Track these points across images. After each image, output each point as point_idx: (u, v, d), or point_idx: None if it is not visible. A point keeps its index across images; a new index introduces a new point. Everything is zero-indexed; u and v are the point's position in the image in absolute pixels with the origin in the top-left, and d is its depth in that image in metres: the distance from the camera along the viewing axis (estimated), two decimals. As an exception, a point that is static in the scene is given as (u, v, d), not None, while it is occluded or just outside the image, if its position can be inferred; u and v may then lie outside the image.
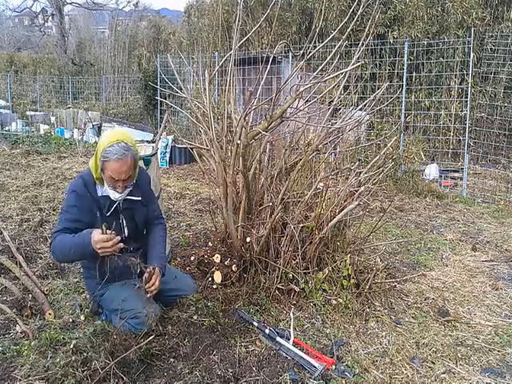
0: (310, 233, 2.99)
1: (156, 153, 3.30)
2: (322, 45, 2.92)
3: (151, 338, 2.16)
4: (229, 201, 3.00)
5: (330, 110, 3.56)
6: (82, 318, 2.56)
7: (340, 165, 3.80)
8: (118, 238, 2.20)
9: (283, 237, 2.90)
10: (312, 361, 2.17)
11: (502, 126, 7.70)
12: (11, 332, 2.40)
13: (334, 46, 2.92)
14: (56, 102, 14.34)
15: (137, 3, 20.97)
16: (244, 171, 2.87)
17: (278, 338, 2.22)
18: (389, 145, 4.04)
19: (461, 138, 7.75)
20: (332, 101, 3.66)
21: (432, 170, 6.99)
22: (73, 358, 2.02)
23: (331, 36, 3.01)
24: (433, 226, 4.84)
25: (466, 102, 7.01)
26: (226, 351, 2.29)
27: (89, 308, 2.62)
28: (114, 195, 2.33)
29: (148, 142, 9.29)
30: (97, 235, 2.15)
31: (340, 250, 3.03)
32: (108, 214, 2.37)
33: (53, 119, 11.82)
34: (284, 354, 2.26)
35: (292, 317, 2.44)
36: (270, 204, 2.93)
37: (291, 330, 2.38)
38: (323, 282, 2.85)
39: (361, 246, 3.27)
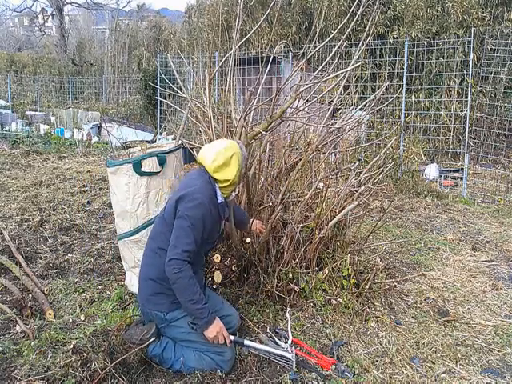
0: (310, 233, 2.99)
1: (177, 149, 2.96)
2: (321, 45, 2.92)
3: (152, 340, 2.16)
4: (229, 201, 2.99)
5: (330, 110, 3.56)
6: (82, 317, 2.56)
7: (340, 165, 3.80)
8: (232, 337, 2.17)
9: (283, 237, 2.90)
10: (284, 353, 2.18)
11: (502, 126, 7.70)
12: (11, 332, 2.40)
13: (334, 46, 2.93)
14: (56, 101, 14.34)
15: (142, 5, 20.97)
16: (244, 171, 2.86)
17: (246, 341, 2.19)
18: (389, 145, 4.04)
19: (461, 138, 7.75)
20: (332, 101, 3.66)
21: (432, 170, 6.99)
22: (73, 358, 2.02)
23: (331, 36, 3.01)
24: (433, 225, 4.84)
25: (466, 101, 7.01)
26: (225, 351, 2.29)
27: (143, 334, 2.18)
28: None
29: (148, 141, 9.30)
30: (221, 323, 2.10)
31: (340, 250, 3.03)
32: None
33: (53, 119, 11.82)
34: (260, 355, 2.26)
35: (288, 317, 2.44)
36: (270, 204, 2.92)
37: (289, 330, 2.38)
38: (323, 282, 2.85)
39: (361, 246, 3.27)
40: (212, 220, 2.20)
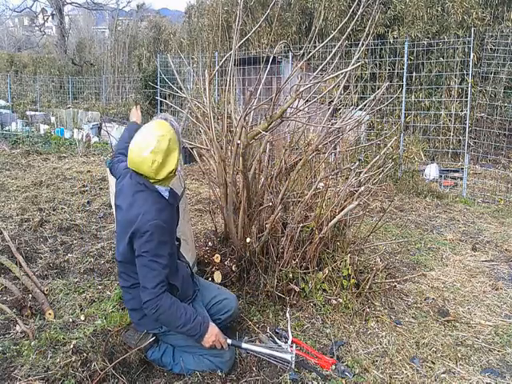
0: (310, 233, 2.98)
1: None
2: (321, 45, 2.92)
3: (151, 340, 2.16)
4: (229, 201, 3.00)
5: (330, 110, 3.56)
6: (82, 317, 2.56)
7: (340, 165, 3.80)
8: (229, 341, 2.13)
9: (283, 237, 2.90)
10: (282, 355, 2.17)
11: (502, 126, 7.70)
12: (11, 332, 2.40)
13: (334, 46, 2.92)
14: (56, 101, 14.33)
15: (142, 5, 20.94)
16: (244, 171, 2.86)
17: (244, 344, 2.19)
18: (389, 145, 4.04)
19: (461, 138, 7.75)
20: (332, 101, 3.66)
21: (432, 170, 6.99)
22: (73, 359, 2.02)
23: (331, 36, 3.01)
24: (433, 225, 4.84)
25: (466, 101, 7.01)
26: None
27: (140, 340, 2.16)
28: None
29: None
30: (216, 328, 2.08)
31: (340, 250, 3.03)
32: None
33: (53, 119, 11.81)
34: (259, 356, 2.25)
35: (288, 317, 2.44)
36: (270, 204, 2.92)
37: (289, 330, 2.38)
38: (323, 282, 2.85)
39: (361, 246, 3.27)
40: (170, 227, 2.08)
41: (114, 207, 2.86)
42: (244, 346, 2.17)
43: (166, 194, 2.10)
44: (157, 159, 1.95)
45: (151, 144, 1.95)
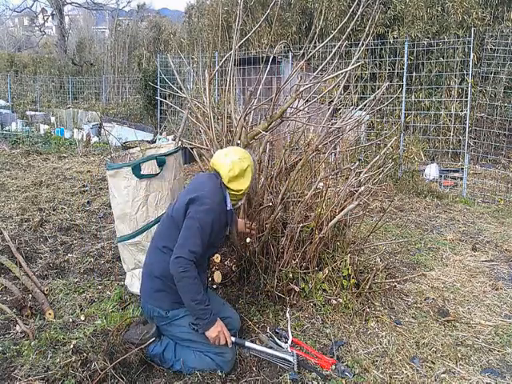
0: (310, 233, 2.98)
1: (176, 151, 2.88)
2: (321, 45, 2.92)
3: (151, 340, 2.16)
4: (229, 201, 2.99)
5: (330, 110, 3.56)
6: (82, 317, 2.56)
7: (340, 165, 3.80)
8: (233, 339, 2.17)
9: (283, 237, 2.90)
10: (285, 356, 2.18)
11: (502, 126, 7.70)
12: (11, 332, 2.40)
13: (334, 46, 2.92)
14: (56, 101, 14.33)
15: (143, 5, 20.94)
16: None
17: (247, 343, 2.19)
18: (389, 145, 4.04)
19: (461, 138, 7.75)
20: (332, 101, 3.66)
21: (432, 170, 6.98)
22: (73, 359, 2.02)
23: (331, 36, 3.01)
24: (433, 225, 4.84)
25: (466, 101, 7.01)
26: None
27: (143, 334, 2.20)
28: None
29: (148, 141, 9.28)
30: (223, 324, 2.11)
31: (340, 250, 3.03)
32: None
33: (53, 119, 11.82)
34: (261, 356, 2.25)
35: (288, 317, 2.44)
36: (270, 204, 2.92)
37: (289, 330, 2.38)
38: (323, 282, 2.85)
39: (361, 246, 3.27)
40: (219, 225, 2.22)
41: (113, 203, 2.85)
42: (247, 344, 2.18)
43: (228, 206, 2.28)
44: (233, 169, 2.22)
45: (233, 157, 2.25)
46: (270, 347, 2.27)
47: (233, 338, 2.14)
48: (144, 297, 2.27)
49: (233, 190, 2.27)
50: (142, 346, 2.14)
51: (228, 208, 2.27)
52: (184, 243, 2.06)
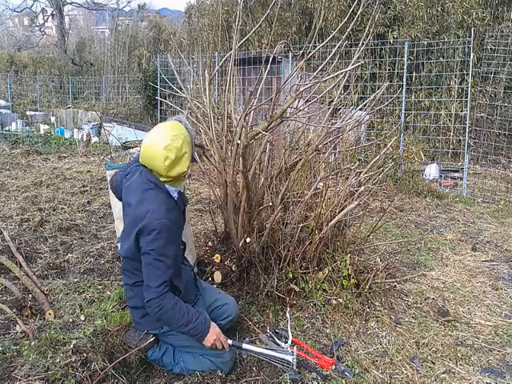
0: (310, 233, 2.99)
1: None
2: (321, 45, 2.91)
3: (151, 339, 2.16)
4: (229, 201, 3.00)
5: (330, 110, 3.56)
6: (82, 317, 2.56)
7: (340, 165, 3.80)
8: (230, 342, 2.13)
9: (283, 237, 2.90)
10: (283, 356, 2.17)
11: (502, 126, 7.70)
12: (11, 332, 2.40)
13: (334, 46, 2.92)
14: (56, 101, 14.33)
15: (143, 5, 20.91)
16: (244, 171, 2.86)
17: (244, 345, 2.18)
18: (389, 145, 4.03)
19: (461, 138, 7.75)
20: (332, 101, 3.66)
21: (432, 170, 6.98)
22: (73, 359, 2.02)
23: (331, 36, 3.01)
24: (433, 225, 4.83)
25: (466, 101, 7.01)
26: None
27: (141, 341, 2.16)
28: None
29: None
30: (217, 329, 2.08)
31: (340, 250, 3.03)
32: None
33: (53, 119, 11.81)
34: (260, 358, 2.25)
35: (288, 317, 2.44)
36: (270, 204, 2.92)
37: (289, 330, 2.38)
38: (323, 282, 2.85)
39: (361, 246, 3.27)
40: (177, 228, 2.09)
41: (112, 203, 2.85)
42: (244, 346, 2.17)
43: (175, 195, 2.09)
44: (169, 156, 1.94)
45: (165, 141, 1.95)
46: (269, 347, 2.27)
47: (230, 341, 2.14)
48: (135, 324, 2.26)
49: (174, 178, 2.03)
50: (141, 347, 2.14)
51: (176, 197, 2.09)
52: (148, 283, 1.97)
